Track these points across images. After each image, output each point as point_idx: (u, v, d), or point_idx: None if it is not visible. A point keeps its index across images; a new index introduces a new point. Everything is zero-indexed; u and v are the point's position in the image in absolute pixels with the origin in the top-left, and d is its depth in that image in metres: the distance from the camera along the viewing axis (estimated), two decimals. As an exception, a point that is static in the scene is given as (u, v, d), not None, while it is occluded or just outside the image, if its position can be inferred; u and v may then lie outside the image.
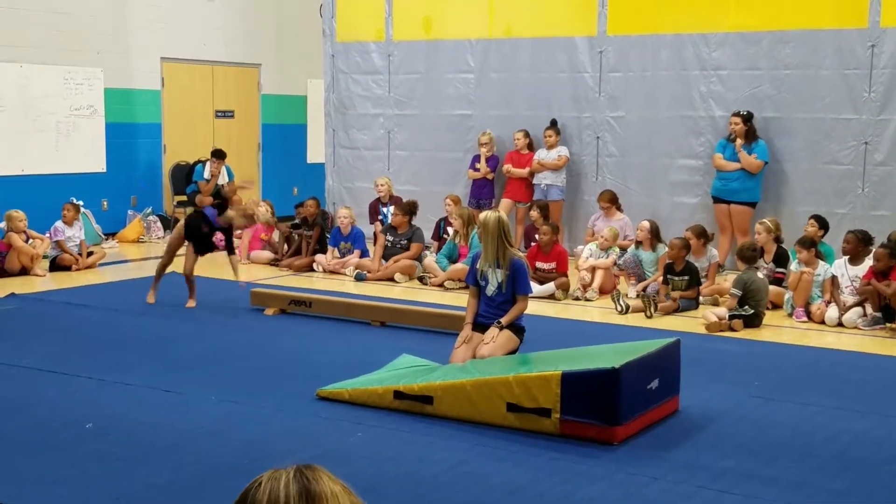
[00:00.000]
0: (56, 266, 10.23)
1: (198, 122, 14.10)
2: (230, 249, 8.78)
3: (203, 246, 8.62)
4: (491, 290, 6.30)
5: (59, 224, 10.41)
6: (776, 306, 8.60)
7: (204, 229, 8.52)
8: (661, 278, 8.93)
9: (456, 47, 12.11)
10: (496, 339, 6.16)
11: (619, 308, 8.53)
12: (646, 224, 9.37)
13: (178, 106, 13.75)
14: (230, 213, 8.57)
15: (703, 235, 9.13)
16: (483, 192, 11.70)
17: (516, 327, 6.32)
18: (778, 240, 9.06)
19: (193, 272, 8.55)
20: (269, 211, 11.32)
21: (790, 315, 8.42)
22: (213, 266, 10.74)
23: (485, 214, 6.37)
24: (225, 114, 14.45)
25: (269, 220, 11.29)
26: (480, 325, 6.32)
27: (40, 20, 11.86)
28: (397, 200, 10.94)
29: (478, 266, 6.36)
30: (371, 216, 11.51)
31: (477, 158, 11.75)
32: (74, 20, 12.21)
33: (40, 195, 11.41)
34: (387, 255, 10.27)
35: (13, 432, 5.11)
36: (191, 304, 8.48)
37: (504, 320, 6.22)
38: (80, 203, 11.02)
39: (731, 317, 7.94)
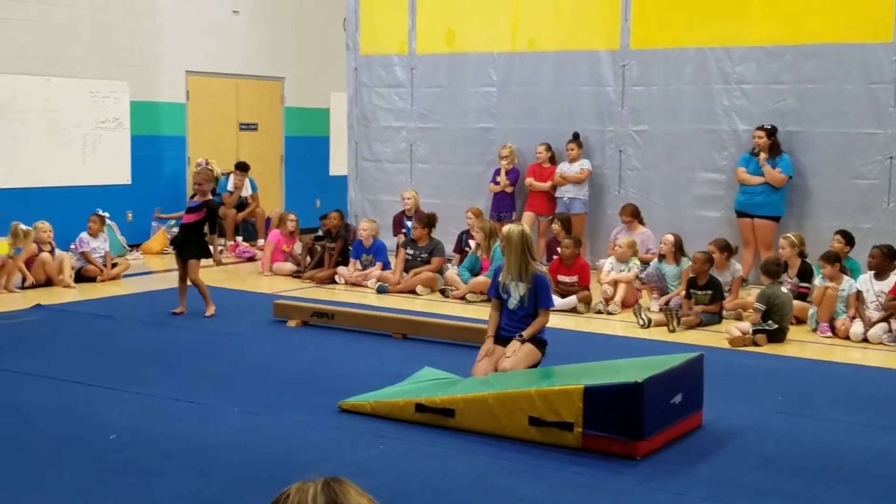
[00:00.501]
0: (81, 277, 10.31)
1: (222, 134, 14.20)
2: (212, 228, 8.58)
3: (187, 249, 8.43)
4: (513, 303, 6.30)
5: (83, 235, 10.49)
6: (800, 321, 8.54)
7: (188, 219, 8.38)
8: (683, 292, 8.89)
9: (479, 60, 12.14)
10: (518, 352, 6.16)
11: (640, 322, 8.50)
12: (670, 238, 9.34)
13: (203, 118, 13.85)
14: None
15: (727, 249, 9.09)
16: (504, 206, 11.70)
17: (538, 341, 6.31)
18: (802, 254, 9.01)
19: (198, 279, 8.46)
20: (293, 223, 11.37)
21: (814, 330, 8.36)
22: (235, 277, 10.81)
23: (508, 228, 6.38)
24: (249, 126, 14.55)
25: (292, 231, 11.34)
26: (502, 339, 6.32)
27: (67, 34, 12.00)
28: (418, 214, 10.96)
29: (500, 279, 6.36)
30: (395, 228, 11.53)
31: (498, 172, 11.76)
32: (101, 34, 12.34)
33: (66, 207, 11.51)
34: (408, 268, 10.28)
35: (38, 442, 5.14)
36: (209, 311, 8.46)
37: (526, 333, 6.22)
38: (106, 215, 11.11)
39: (755, 331, 7.89)
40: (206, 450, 5.04)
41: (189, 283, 8.49)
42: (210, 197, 8.51)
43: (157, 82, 13.17)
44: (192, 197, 8.71)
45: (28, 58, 11.62)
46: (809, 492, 4.62)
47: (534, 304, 6.26)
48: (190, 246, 8.46)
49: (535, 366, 6.21)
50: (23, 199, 11.48)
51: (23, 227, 9.72)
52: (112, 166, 12.69)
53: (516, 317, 6.29)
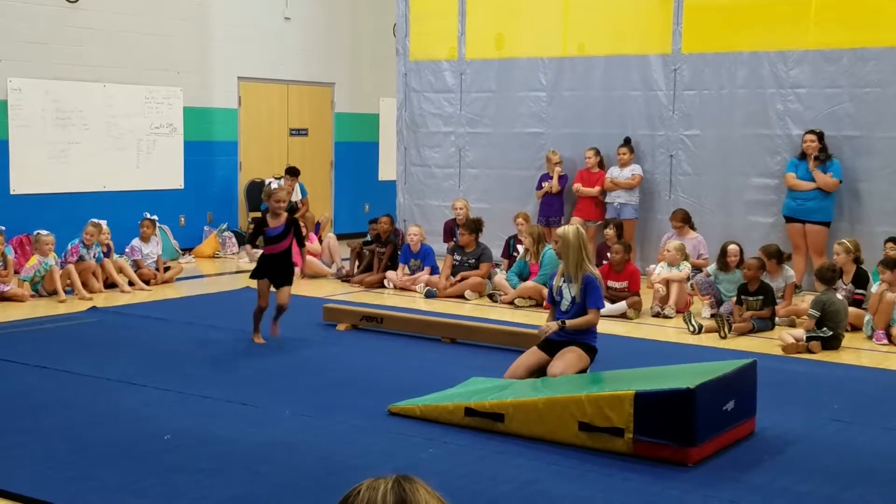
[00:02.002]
0: (133, 282, 10.45)
1: (273, 139, 14.34)
2: (300, 241, 7.99)
3: (285, 276, 7.69)
4: (565, 304, 6.30)
5: (135, 242, 10.61)
6: (855, 328, 8.41)
7: (280, 248, 7.60)
8: (735, 299, 8.79)
9: (528, 65, 12.13)
10: (566, 357, 6.13)
11: (690, 328, 8.42)
12: (736, 248, 9.14)
13: (254, 124, 14.01)
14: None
15: (778, 255, 8.97)
16: (552, 210, 11.67)
17: (588, 347, 6.29)
18: (857, 261, 8.87)
19: (287, 302, 7.68)
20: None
21: (870, 337, 8.22)
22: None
23: (563, 228, 6.43)
24: (299, 132, 14.68)
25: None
26: (551, 343, 6.31)
27: (123, 41, 12.21)
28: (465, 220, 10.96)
29: (554, 282, 6.38)
30: (445, 236, 11.54)
31: (544, 178, 11.73)
32: (156, 41, 12.55)
33: (121, 211, 11.71)
34: (454, 273, 10.29)
35: (95, 442, 5.24)
36: (275, 331, 7.79)
37: (569, 323, 6.20)
38: (155, 218, 11.24)
39: (809, 338, 7.78)
40: (258, 451, 5.09)
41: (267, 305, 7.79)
42: (285, 214, 7.73)
43: (209, 88, 13.35)
44: (265, 218, 7.74)
45: (85, 64, 11.84)
46: (863, 501, 4.54)
47: (583, 304, 6.23)
48: (286, 272, 7.73)
49: (583, 371, 6.19)
50: (79, 203, 11.69)
51: (42, 234, 9.69)
52: (165, 171, 12.88)
53: (567, 317, 6.29)
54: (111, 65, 12.11)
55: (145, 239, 10.69)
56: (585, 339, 6.31)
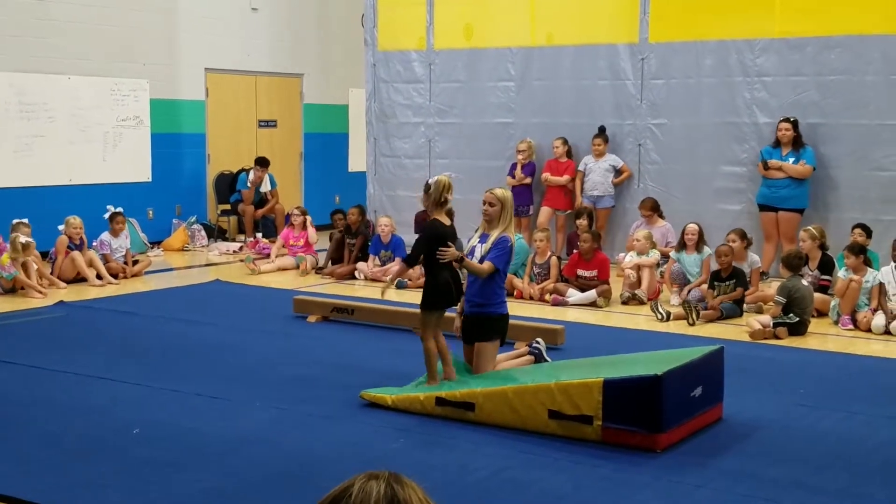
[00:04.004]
0: (101, 276, 10.36)
1: (241, 131, 14.26)
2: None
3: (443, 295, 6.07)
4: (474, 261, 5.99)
5: (105, 237, 10.49)
6: (821, 314, 8.51)
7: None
8: (704, 285, 8.88)
9: (497, 55, 12.13)
10: (480, 357, 5.92)
11: (659, 316, 8.49)
12: (695, 227, 9.30)
13: (222, 116, 13.92)
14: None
15: (746, 238, 9.10)
16: (522, 200, 11.68)
17: (493, 318, 5.94)
18: (823, 247, 8.97)
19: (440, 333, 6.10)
20: (298, 217, 11.47)
21: (836, 323, 8.32)
22: (252, 274, 10.85)
23: (502, 191, 6.09)
24: (268, 123, 14.61)
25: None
26: (465, 330, 6.07)
27: (88, 33, 12.08)
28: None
29: (469, 242, 6.11)
30: (416, 227, 11.53)
31: (514, 166, 11.76)
32: (121, 32, 12.43)
33: (88, 204, 11.59)
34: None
35: (63, 437, 5.20)
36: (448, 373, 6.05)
37: (466, 261, 5.85)
38: (120, 210, 11.01)
39: (776, 325, 7.87)
40: (229, 444, 5.08)
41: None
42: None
43: (176, 80, 13.24)
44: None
45: (49, 57, 11.71)
46: (831, 485, 4.61)
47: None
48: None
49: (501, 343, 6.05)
50: (45, 196, 11.58)
51: (22, 240, 9.55)
52: (133, 164, 12.78)
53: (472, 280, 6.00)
54: (76, 57, 11.98)
55: (116, 233, 10.59)
56: (489, 308, 5.96)
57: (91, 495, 4.43)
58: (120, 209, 10.86)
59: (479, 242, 6.06)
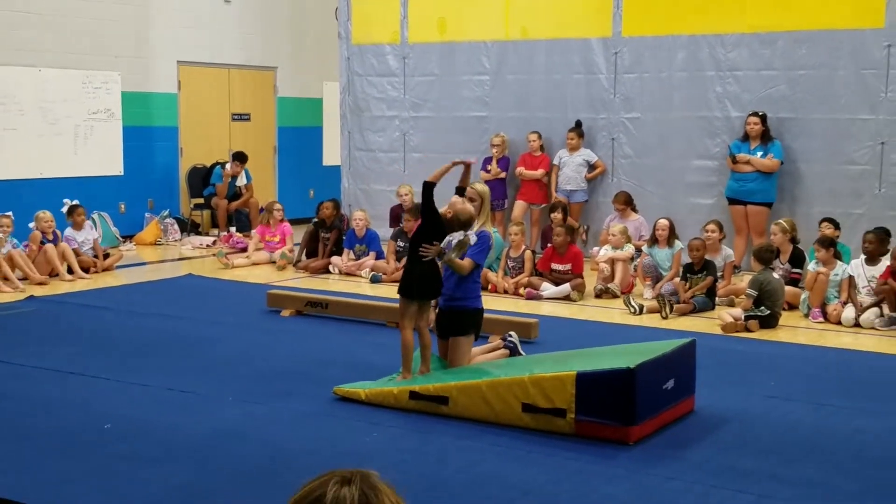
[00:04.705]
0: (73, 270, 10.27)
1: (214, 125, 14.18)
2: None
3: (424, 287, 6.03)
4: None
5: (68, 232, 10.39)
6: (792, 307, 8.58)
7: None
8: (677, 278, 8.94)
9: (471, 49, 12.13)
10: (455, 352, 5.93)
11: (631, 309, 8.54)
12: (665, 222, 9.37)
13: (195, 109, 13.83)
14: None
15: (723, 229, 9.21)
16: (496, 194, 11.68)
17: (468, 312, 5.95)
18: (794, 240, 9.05)
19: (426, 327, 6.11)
20: (279, 212, 11.40)
21: (806, 316, 8.40)
22: (225, 268, 10.80)
23: (482, 186, 6.24)
24: (241, 117, 14.53)
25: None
26: (440, 325, 6.09)
27: (58, 25, 11.96)
28: (410, 206, 10.93)
29: (448, 237, 6.06)
30: (392, 222, 11.50)
31: (488, 160, 11.77)
32: (92, 25, 12.31)
33: (59, 198, 11.47)
34: (399, 259, 10.28)
35: (34, 433, 5.16)
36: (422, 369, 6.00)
37: (446, 257, 5.81)
38: (77, 202, 10.85)
39: (747, 317, 7.93)
40: (201, 439, 5.06)
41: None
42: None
43: (148, 73, 13.14)
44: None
45: (18, 49, 11.58)
46: (802, 476, 4.65)
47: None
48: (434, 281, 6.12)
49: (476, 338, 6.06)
50: (15, 190, 11.46)
51: None
52: (104, 157, 12.67)
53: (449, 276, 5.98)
54: (46, 49, 11.86)
55: (78, 227, 10.49)
56: (465, 303, 5.98)
57: (62, 491, 4.40)
58: (76, 202, 10.72)
59: (457, 236, 6.05)
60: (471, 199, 6.10)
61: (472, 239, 5.95)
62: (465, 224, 5.91)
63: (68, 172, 12.18)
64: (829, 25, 10.13)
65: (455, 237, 5.93)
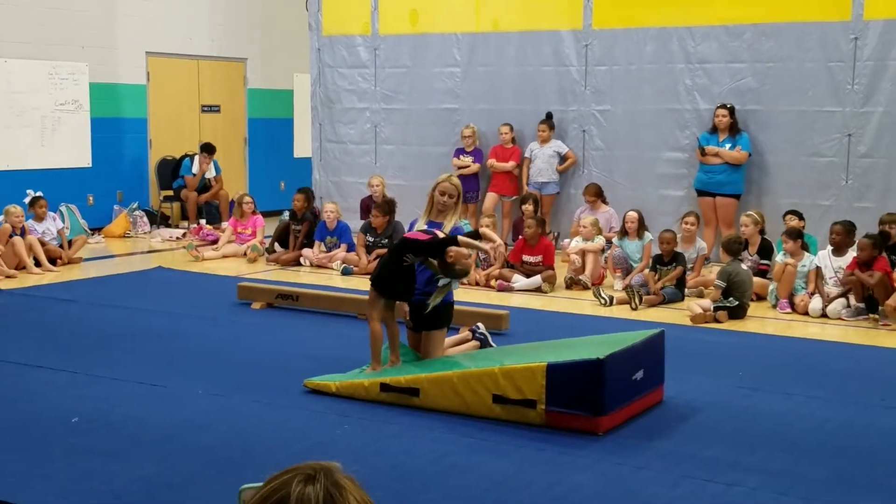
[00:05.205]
0: (38, 261, 10.16)
1: (184, 116, 14.07)
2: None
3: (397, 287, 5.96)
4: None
5: (29, 223, 10.28)
6: (761, 298, 8.66)
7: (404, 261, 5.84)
8: (647, 269, 8.99)
9: (443, 41, 12.12)
10: (429, 346, 5.94)
11: (602, 301, 8.57)
12: (634, 215, 9.42)
13: (164, 101, 13.72)
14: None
15: (700, 221, 9.31)
16: (469, 186, 11.68)
17: (441, 305, 5.90)
18: (762, 232, 9.13)
19: (393, 319, 6.04)
20: (249, 205, 11.35)
21: (774, 306, 8.48)
22: (195, 261, 10.73)
23: (456, 180, 6.11)
24: (211, 108, 14.43)
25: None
26: (414, 319, 6.08)
27: (25, 15, 11.81)
28: (378, 200, 10.89)
29: (416, 228, 6.06)
30: (362, 213, 11.46)
31: (460, 151, 11.77)
32: (59, 15, 12.17)
33: (25, 191, 11.35)
34: (369, 252, 10.26)
35: (0, 427, 5.10)
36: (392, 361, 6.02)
37: (457, 245, 5.73)
38: (40, 194, 10.73)
39: (716, 308, 7.99)
40: (170, 432, 5.03)
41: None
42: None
43: (116, 64, 13.01)
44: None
45: (-16, 39, 11.44)
46: (769, 465, 4.70)
47: None
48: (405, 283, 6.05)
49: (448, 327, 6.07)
50: (-19, 183, 11.32)
51: None
52: (72, 149, 12.54)
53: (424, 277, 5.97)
54: (13, 39, 11.71)
55: (40, 218, 10.38)
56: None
57: (29, 485, 4.35)
58: (39, 193, 10.61)
59: (443, 280, 5.93)
60: (450, 196, 6.06)
61: (455, 287, 5.92)
62: (458, 274, 5.82)
63: (35, 164, 12.05)
64: (797, 18, 10.21)
65: (442, 280, 5.88)
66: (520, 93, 11.71)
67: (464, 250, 5.75)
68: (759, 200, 10.36)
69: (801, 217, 9.26)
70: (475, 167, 11.64)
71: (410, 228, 6.23)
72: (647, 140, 11.08)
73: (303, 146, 14.58)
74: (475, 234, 6.15)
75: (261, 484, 1.60)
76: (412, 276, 5.90)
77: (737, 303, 8.03)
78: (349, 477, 1.55)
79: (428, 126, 12.27)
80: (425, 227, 6.06)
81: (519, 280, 9.26)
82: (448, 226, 5.99)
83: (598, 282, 9.36)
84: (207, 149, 13.28)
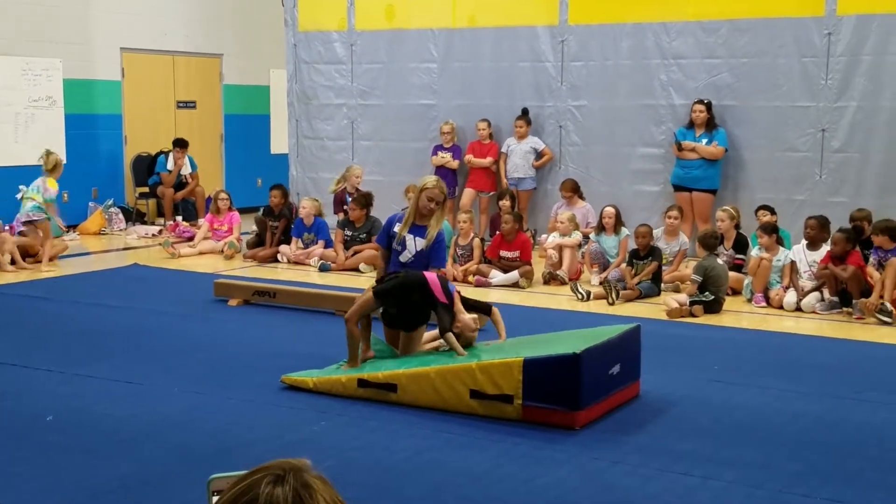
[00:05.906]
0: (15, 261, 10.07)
1: (159, 113, 13.98)
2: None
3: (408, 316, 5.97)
4: (407, 256, 5.99)
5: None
6: (736, 292, 8.72)
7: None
8: (623, 264, 9.03)
9: (419, 37, 12.10)
10: (409, 343, 5.96)
11: (579, 296, 8.61)
12: (611, 210, 9.46)
13: (139, 97, 13.62)
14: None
15: (683, 216, 9.36)
16: (446, 182, 11.69)
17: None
18: (738, 227, 9.20)
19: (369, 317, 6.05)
20: (224, 201, 11.30)
21: (749, 301, 8.54)
22: (171, 258, 10.67)
23: (441, 182, 6.08)
24: (187, 104, 14.35)
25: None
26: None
27: (-3, 10, 11.70)
28: (354, 194, 10.89)
29: (396, 230, 6.05)
30: (335, 207, 11.44)
31: (439, 147, 11.77)
32: (33, 10, 12.06)
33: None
34: (346, 247, 10.26)
35: (-26, 426, 5.07)
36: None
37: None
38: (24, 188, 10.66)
39: (692, 303, 8.04)
40: (146, 430, 5.00)
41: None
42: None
43: (91, 59, 12.91)
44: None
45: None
46: (745, 458, 4.74)
47: (428, 258, 5.98)
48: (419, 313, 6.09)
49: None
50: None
51: None
52: (46, 145, 12.35)
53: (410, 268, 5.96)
54: (-16, 35, 11.60)
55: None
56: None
57: (4, 484, 4.32)
58: (23, 187, 10.53)
59: (412, 235, 5.98)
60: (437, 202, 6.02)
61: (442, 346, 5.95)
62: (462, 342, 5.78)
63: (9, 161, 11.94)
64: (771, 14, 10.28)
65: (444, 347, 5.95)
66: (496, 89, 11.72)
67: (471, 323, 5.76)
68: (735, 195, 10.43)
69: (772, 212, 9.34)
70: (454, 163, 11.64)
71: (389, 224, 6.21)
72: (623, 136, 11.12)
73: (279, 142, 14.53)
74: (464, 301, 5.97)
75: (230, 474, 1.59)
76: (426, 313, 5.92)
77: (712, 297, 8.08)
78: (319, 476, 1.54)
79: (405, 122, 12.26)
80: (407, 231, 5.98)
81: (496, 275, 9.27)
82: (432, 230, 5.98)
83: (575, 277, 9.39)
84: (180, 143, 13.21)
